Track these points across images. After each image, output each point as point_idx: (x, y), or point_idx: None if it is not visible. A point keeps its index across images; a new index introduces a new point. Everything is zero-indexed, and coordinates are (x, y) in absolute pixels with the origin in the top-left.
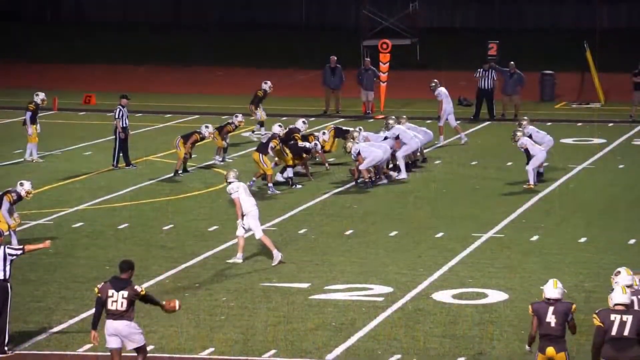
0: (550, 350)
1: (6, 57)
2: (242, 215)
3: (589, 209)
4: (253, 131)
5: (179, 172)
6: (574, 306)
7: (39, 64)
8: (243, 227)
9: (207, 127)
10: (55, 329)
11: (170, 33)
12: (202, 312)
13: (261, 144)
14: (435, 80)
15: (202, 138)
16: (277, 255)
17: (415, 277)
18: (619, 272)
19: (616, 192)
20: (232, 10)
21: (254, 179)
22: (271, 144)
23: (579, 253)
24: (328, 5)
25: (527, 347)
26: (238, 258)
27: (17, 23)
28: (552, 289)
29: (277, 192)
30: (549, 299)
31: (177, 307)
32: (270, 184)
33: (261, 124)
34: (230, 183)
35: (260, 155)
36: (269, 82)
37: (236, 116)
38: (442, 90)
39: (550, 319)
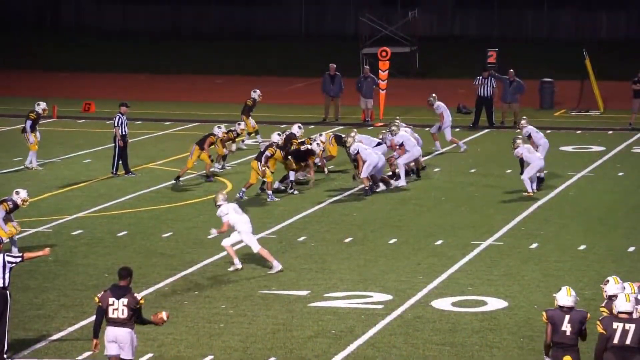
0: (567, 358)
1: (5, 64)
2: (224, 231)
3: (588, 216)
4: (243, 140)
5: (181, 179)
6: (588, 315)
7: (38, 72)
8: (214, 233)
9: (219, 127)
10: (55, 337)
11: (170, 41)
12: (201, 319)
13: (260, 152)
14: (434, 94)
15: (217, 138)
16: (277, 266)
17: (414, 285)
18: (608, 281)
19: (615, 200)
20: (231, 18)
21: (243, 189)
22: (267, 153)
23: (578, 261)
24: (327, 13)
25: (545, 358)
26: (236, 264)
27: (17, 30)
28: (566, 297)
29: (276, 199)
30: (562, 307)
31: (165, 318)
32: (269, 192)
33: (256, 132)
34: (219, 206)
35: (259, 163)
36: (257, 90)
37: (239, 124)
38: (441, 104)
39: (566, 327)
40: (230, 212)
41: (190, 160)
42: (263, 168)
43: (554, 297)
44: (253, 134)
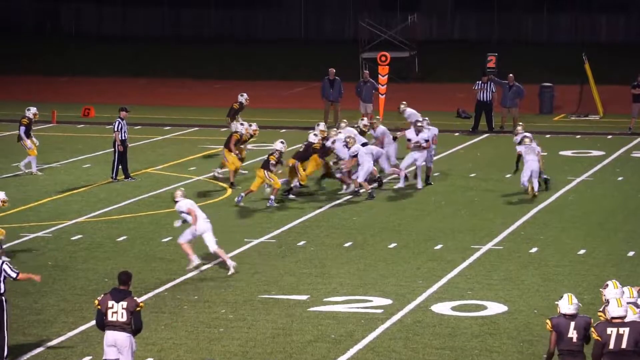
0: None
1: (5, 69)
2: (194, 223)
3: (588, 221)
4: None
5: (233, 184)
6: (592, 320)
7: (37, 77)
8: (185, 235)
9: (242, 124)
10: (54, 342)
11: (170, 45)
12: (201, 324)
13: (266, 160)
14: (404, 102)
15: (241, 135)
16: (196, 260)
17: (414, 289)
18: (607, 285)
19: (615, 204)
20: (231, 24)
21: (242, 194)
22: (271, 161)
23: (578, 265)
24: (327, 18)
25: None
26: (231, 267)
27: (16, 36)
28: (568, 305)
29: (275, 205)
30: (565, 315)
31: None
32: (272, 197)
33: None
34: (177, 202)
35: (265, 172)
36: (245, 94)
37: (250, 125)
38: (412, 111)
39: (572, 334)
40: (185, 209)
41: (230, 163)
42: (270, 179)
43: (556, 304)
44: None
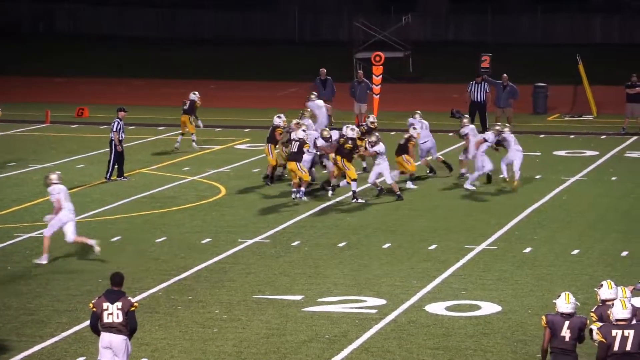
0: None
1: (1, 70)
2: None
3: (581, 221)
4: (194, 141)
5: (269, 179)
6: (588, 321)
7: (34, 78)
8: (52, 227)
9: (279, 117)
10: (48, 342)
11: (165, 46)
12: (195, 324)
13: (293, 153)
14: (315, 93)
15: (283, 128)
16: (44, 259)
17: (408, 289)
18: (602, 285)
19: (609, 204)
20: (227, 25)
21: (295, 189)
22: (304, 149)
23: (571, 265)
24: (321, 18)
25: None
26: (43, 259)
27: (12, 36)
28: (565, 304)
29: (305, 199)
30: (562, 314)
31: None
32: (302, 189)
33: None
34: (52, 185)
35: (297, 163)
36: (197, 92)
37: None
38: (315, 103)
39: (566, 333)
40: (61, 193)
41: (272, 159)
42: (302, 171)
43: (553, 303)
44: (193, 136)
